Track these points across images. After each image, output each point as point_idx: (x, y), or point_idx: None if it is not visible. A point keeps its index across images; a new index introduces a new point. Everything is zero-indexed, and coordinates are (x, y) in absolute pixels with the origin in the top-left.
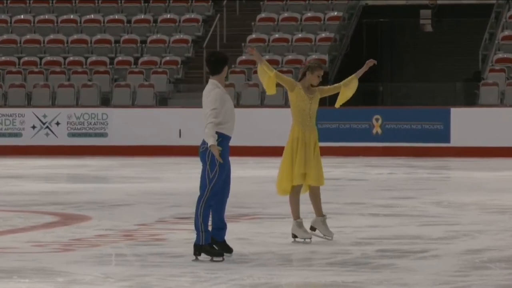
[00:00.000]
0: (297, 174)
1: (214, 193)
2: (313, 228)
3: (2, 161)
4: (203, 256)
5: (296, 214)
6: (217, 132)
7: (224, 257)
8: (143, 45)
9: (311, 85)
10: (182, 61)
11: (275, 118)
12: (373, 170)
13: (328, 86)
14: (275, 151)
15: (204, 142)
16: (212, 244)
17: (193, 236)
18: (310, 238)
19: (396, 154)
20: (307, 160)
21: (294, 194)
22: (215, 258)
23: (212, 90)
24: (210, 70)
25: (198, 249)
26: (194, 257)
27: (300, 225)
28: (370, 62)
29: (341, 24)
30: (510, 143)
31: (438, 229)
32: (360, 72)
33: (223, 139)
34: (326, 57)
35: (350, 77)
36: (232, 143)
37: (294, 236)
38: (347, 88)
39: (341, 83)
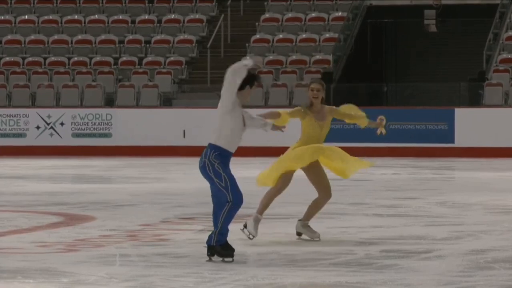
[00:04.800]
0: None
1: (237, 201)
2: (299, 234)
3: (7, 161)
4: (204, 258)
5: (263, 210)
6: (214, 146)
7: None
8: (147, 45)
9: (315, 104)
10: (186, 62)
11: None
12: (377, 171)
13: (343, 111)
14: (280, 151)
15: (202, 156)
16: (224, 245)
17: (197, 236)
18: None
19: (400, 155)
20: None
21: (276, 191)
22: (226, 259)
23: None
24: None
25: (210, 250)
26: (207, 258)
27: (257, 220)
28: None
29: (345, 24)
30: None
31: (442, 230)
32: (371, 123)
33: (220, 153)
34: (330, 57)
35: (363, 118)
36: None
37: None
38: (359, 120)
39: (352, 115)
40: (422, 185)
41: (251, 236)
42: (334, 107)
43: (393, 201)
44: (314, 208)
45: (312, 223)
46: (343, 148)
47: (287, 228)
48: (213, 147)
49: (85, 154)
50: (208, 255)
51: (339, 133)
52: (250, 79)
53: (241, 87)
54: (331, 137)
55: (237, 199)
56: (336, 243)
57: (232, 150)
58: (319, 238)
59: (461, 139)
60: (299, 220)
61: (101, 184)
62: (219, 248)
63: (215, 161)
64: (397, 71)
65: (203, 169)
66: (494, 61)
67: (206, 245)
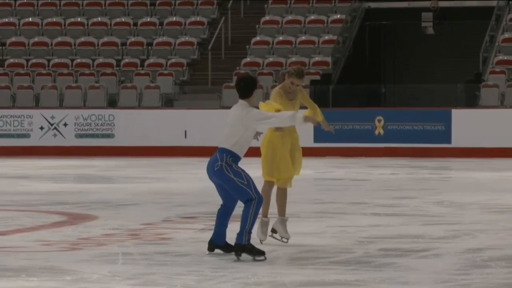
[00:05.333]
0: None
1: (260, 196)
2: (274, 231)
3: (11, 161)
4: (205, 256)
5: (266, 212)
6: (229, 151)
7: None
8: (149, 47)
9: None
10: (187, 63)
11: None
12: (375, 171)
13: (309, 98)
14: None
15: (216, 160)
16: (247, 245)
17: (198, 235)
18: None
19: (398, 155)
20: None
21: (267, 191)
22: (257, 257)
23: (250, 110)
24: (240, 94)
25: (241, 249)
26: (236, 258)
27: (265, 224)
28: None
29: (344, 26)
30: (510, 143)
31: (439, 229)
32: (323, 123)
33: (235, 158)
34: (329, 59)
35: (320, 113)
36: None
37: (274, 231)
38: (316, 113)
39: (315, 106)
40: (419, 185)
41: (262, 241)
42: (304, 89)
43: (391, 200)
44: (282, 198)
45: (313, 222)
46: (343, 148)
47: (287, 227)
48: (228, 152)
49: (88, 154)
50: (236, 254)
51: (339, 134)
52: (254, 84)
53: (250, 94)
54: (331, 137)
55: (259, 195)
56: (335, 242)
57: (242, 156)
58: (287, 241)
59: (458, 140)
60: (279, 216)
61: (103, 184)
62: (251, 246)
63: (232, 163)
64: (395, 73)
65: (220, 172)
66: (491, 63)
67: (213, 246)
